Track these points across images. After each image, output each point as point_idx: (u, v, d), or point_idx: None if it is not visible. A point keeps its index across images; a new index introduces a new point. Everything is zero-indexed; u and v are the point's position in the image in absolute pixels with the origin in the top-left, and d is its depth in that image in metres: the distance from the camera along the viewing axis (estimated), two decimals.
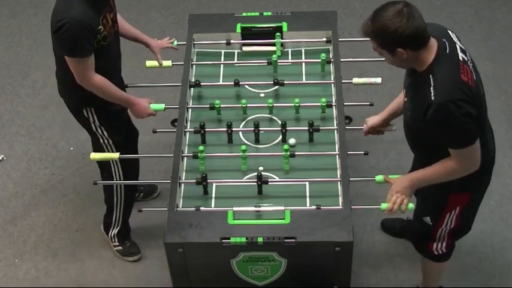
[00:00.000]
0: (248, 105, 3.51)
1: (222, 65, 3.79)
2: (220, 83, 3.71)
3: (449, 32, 2.89)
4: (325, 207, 3.09)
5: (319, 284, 3.18)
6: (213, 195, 3.25)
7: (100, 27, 3.21)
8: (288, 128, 3.40)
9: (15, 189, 4.38)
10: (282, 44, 3.79)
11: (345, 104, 3.50)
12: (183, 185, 3.27)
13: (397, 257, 3.93)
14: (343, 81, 3.60)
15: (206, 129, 3.41)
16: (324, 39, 3.80)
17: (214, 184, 3.25)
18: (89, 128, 3.56)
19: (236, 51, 3.86)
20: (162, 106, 3.55)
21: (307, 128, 3.39)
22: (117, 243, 3.97)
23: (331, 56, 3.73)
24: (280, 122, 3.43)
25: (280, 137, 3.43)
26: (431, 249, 3.32)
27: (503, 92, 4.76)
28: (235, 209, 3.09)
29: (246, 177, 3.29)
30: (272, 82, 3.62)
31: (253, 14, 3.94)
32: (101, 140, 3.57)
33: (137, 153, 3.82)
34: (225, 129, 3.41)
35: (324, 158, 3.35)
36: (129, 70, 4.66)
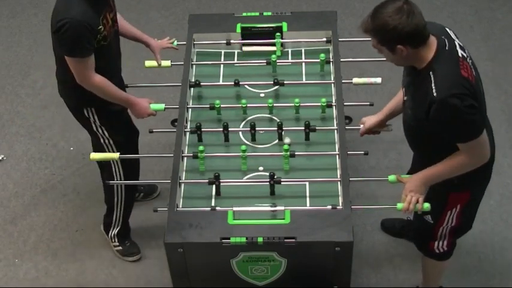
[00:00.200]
0: (248, 105, 3.51)
1: (222, 65, 3.79)
2: (220, 83, 3.71)
3: (447, 29, 2.90)
4: (325, 207, 3.09)
5: (319, 284, 3.18)
6: (213, 194, 3.24)
7: (100, 27, 3.21)
8: (284, 128, 3.40)
9: (15, 189, 4.38)
10: (282, 44, 3.79)
11: (344, 104, 3.50)
12: (183, 185, 3.27)
13: (397, 257, 3.93)
14: (343, 81, 3.60)
15: (203, 129, 3.41)
16: (324, 39, 3.80)
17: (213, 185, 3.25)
18: (90, 128, 3.56)
19: (236, 51, 3.86)
20: (162, 106, 3.55)
21: (303, 128, 3.39)
22: (117, 243, 3.97)
23: (331, 56, 3.73)
24: (278, 122, 3.43)
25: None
26: (433, 248, 3.32)
27: (503, 92, 4.76)
28: (235, 209, 3.09)
29: (246, 177, 3.29)
30: (272, 82, 3.62)
31: (253, 14, 3.94)
32: (102, 140, 3.57)
33: (138, 153, 3.82)
34: (222, 129, 3.41)
35: (324, 158, 3.35)
36: (129, 70, 4.66)
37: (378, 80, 3.65)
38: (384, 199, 4.13)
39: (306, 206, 3.17)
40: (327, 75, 3.71)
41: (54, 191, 4.36)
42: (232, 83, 3.63)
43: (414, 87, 2.88)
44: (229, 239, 2.98)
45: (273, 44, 3.79)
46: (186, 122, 3.48)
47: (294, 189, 3.23)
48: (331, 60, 3.70)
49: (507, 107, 4.66)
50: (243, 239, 2.97)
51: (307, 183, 3.25)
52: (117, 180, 3.66)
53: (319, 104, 3.49)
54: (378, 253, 3.95)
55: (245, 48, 3.86)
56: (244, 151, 3.26)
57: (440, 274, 3.58)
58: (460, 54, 2.80)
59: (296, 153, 3.29)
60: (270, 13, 3.94)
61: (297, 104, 3.48)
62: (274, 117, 3.53)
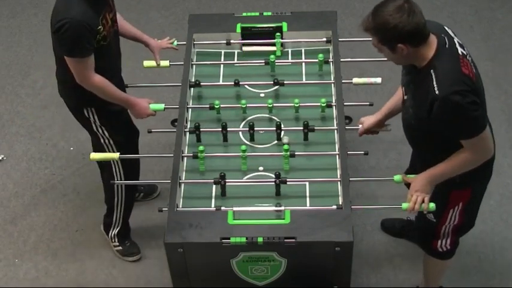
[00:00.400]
0: (248, 105, 3.51)
1: (222, 65, 3.79)
2: (220, 83, 3.71)
3: (446, 27, 2.92)
4: (326, 207, 3.10)
5: (319, 284, 3.18)
6: (213, 194, 3.25)
7: (100, 27, 3.21)
8: (283, 128, 3.40)
9: (15, 189, 4.38)
10: (282, 44, 3.79)
11: (344, 104, 3.50)
12: (183, 185, 3.27)
13: (397, 257, 3.93)
14: (343, 81, 3.60)
15: (202, 129, 3.41)
16: (324, 39, 3.80)
17: (214, 185, 3.25)
18: (90, 128, 3.56)
19: (236, 51, 3.86)
20: (161, 106, 3.55)
21: (302, 128, 3.39)
22: (117, 243, 3.97)
23: (331, 56, 3.73)
24: (277, 122, 3.43)
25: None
26: (436, 247, 3.33)
27: (503, 92, 4.76)
28: (235, 209, 3.09)
29: (246, 177, 3.29)
30: (272, 82, 3.62)
31: (253, 14, 3.94)
32: (102, 140, 3.58)
33: (138, 153, 3.82)
34: (220, 129, 3.41)
35: (324, 158, 3.35)
36: (129, 70, 4.66)
37: (378, 80, 3.65)
38: (383, 199, 4.13)
39: (306, 206, 3.17)
40: (327, 75, 3.70)
41: (54, 191, 4.36)
42: (232, 83, 3.63)
43: (415, 86, 2.88)
44: (229, 239, 2.98)
45: (273, 44, 3.79)
46: (186, 122, 3.48)
47: (294, 189, 3.23)
48: (331, 60, 3.70)
49: (507, 107, 4.66)
50: (243, 239, 2.97)
51: (307, 183, 3.25)
52: (117, 180, 3.66)
53: (319, 104, 3.49)
54: (378, 253, 3.95)
55: (245, 48, 3.86)
56: (244, 151, 3.25)
57: (441, 274, 3.58)
58: (460, 52, 2.81)
59: (296, 153, 3.29)
60: (270, 13, 3.94)
61: (297, 105, 3.48)
62: (274, 117, 3.53)
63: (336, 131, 3.41)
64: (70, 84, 3.34)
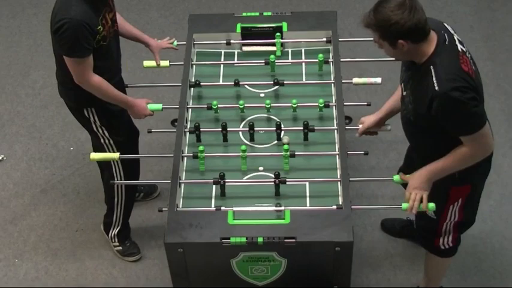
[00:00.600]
0: (247, 105, 3.51)
1: (222, 65, 3.79)
2: (220, 83, 3.71)
3: (446, 25, 2.93)
4: (326, 207, 3.09)
5: (319, 284, 3.18)
6: (213, 194, 3.25)
7: (99, 27, 3.21)
8: (283, 128, 3.40)
9: (15, 189, 4.38)
10: (282, 44, 3.79)
11: (344, 104, 3.50)
12: (183, 185, 3.27)
13: (397, 257, 3.93)
14: (343, 81, 3.60)
15: (202, 129, 3.41)
16: (324, 39, 3.80)
17: (214, 185, 3.25)
18: (90, 128, 3.56)
19: (236, 51, 3.86)
20: (159, 106, 3.55)
21: (301, 128, 3.39)
22: (117, 244, 3.97)
23: (331, 56, 3.73)
24: (277, 122, 3.43)
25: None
26: (438, 244, 3.32)
27: (503, 92, 4.76)
28: (235, 209, 3.09)
29: (246, 177, 3.29)
30: (272, 82, 3.62)
31: (253, 14, 3.94)
32: (102, 140, 3.58)
33: (138, 153, 3.82)
34: (220, 129, 3.41)
35: (324, 158, 3.35)
36: (129, 70, 4.67)
37: (378, 80, 3.65)
38: (383, 199, 4.13)
39: (306, 206, 3.17)
40: (327, 75, 3.70)
41: (54, 191, 4.36)
42: (232, 83, 3.63)
43: (414, 82, 2.89)
44: (229, 239, 2.98)
45: (273, 44, 3.79)
46: (186, 122, 3.48)
47: (294, 189, 3.23)
48: (331, 60, 3.70)
49: (507, 107, 4.66)
50: (243, 239, 2.97)
51: (307, 183, 3.25)
52: (117, 180, 3.66)
53: (317, 104, 3.48)
54: (378, 253, 3.95)
55: (245, 48, 3.86)
56: (244, 151, 3.25)
57: (442, 273, 3.58)
58: (459, 49, 2.83)
59: (296, 153, 3.29)
60: (270, 13, 3.94)
61: (295, 105, 3.48)
62: (273, 117, 3.53)
63: (336, 131, 3.41)
64: (70, 84, 3.34)
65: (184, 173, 3.33)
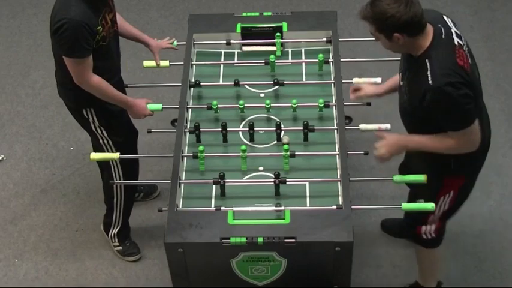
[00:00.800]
0: (247, 105, 3.51)
1: (222, 65, 3.79)
2: (220, 83, 3.71)
3: (445, 17, 2.95)
4: (326, 207, 3.09)
5: (319, 284, 3.18)
6: (213, 194, 3.25)
7: (99, 27, 3.21)
8: (283, 128, 3.40)
9: (15, 189, 4.38)
10: (282, 44, 3.79)
11: (344, 104, 3.50)
12: (183, 185, 3.27)
13: (397, 257, 3.93)
14: (343, 81, 3.60)
15: (202, 129, 3.41)
16: (324, 39, 3.80)
17: (214, 185, 3.25)
18: (89, 129, 3.56)
19: (236, 51, 3.86)
20: (159, 106, 3.55)
21: (301, 128, 3.39)
22: (117, 243, 3.97)
23: (331, 56, 3.73)
24: (277, 122, 3.43)
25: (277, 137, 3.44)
26: (420, 233, 3.33)
27: (503, 92, 4.76)
28: (235, 209, 3.09)
29: (246, 177, 3.29)
30: (272, 82, 3.62)
31: (253, 14, 3.94)
32: (101, 141, 3.57)
33: (137, 154, 3.82)
34: (220, 129, 3.41)
35: (324, 158, 3.35)
36: (129, 70, 4.67)
37: (378, 80, 3.65)
38: (383, 199, 4.13)
39: (306, 206, 3.17)
40: (327, 75, 3.70)
41: (54, 191, 4.35)
42: (232, 83, 3.63)
43: (411, 74, 2.93)
44: (229, 239, 2.98)
45: (273, 44, 3.79)
46: (186, 122, 3.48)
47: (294, 189, 3.23)
48: (331, 60, 3.70)
49: (507, 107, 4.66)
50: (243, 239, 2.97)
51: (307, 183, 3.25)
52: (116, 180, 3.66)
53: (317, 104, 3.48)
54: (378, 253, 3.95)
55: (245, 48, 3.86)
56: (244, 151, 3.25)
57: (434, 265, 3.58)
58: (456, 42, 2.85)
59: (296, 153, 3.29)
60: (270, 13, 3.94)
61: (294, 105, 3.48)
62: (273, 117, 3.53)
63: (336, 131, 3.41)
64: (69, 85, 3.34)
65: (184, 173, 3.33)
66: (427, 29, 2.83)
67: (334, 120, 3.48)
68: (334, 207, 3.09)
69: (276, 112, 3.54)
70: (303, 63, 3.77)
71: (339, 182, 3.20)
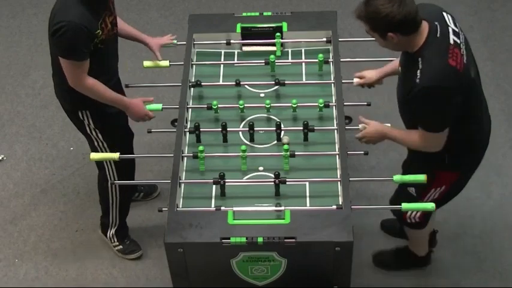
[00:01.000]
0: (247, 105, 3.51)
1: (222, 65, 3.79)
2: (220, 83, 3.71)
3: (444, 13, 2.96)
4: (326, 207, 3.10)
5: (319, 284, 3.18)
6: (213, 194, 3.25)
7: (98, 31, 3.19)
8: (283, 128, 3.41)
9: (15, 189, 4.38)
10: (282, 44, 3.79)
11: (344, 104, 3.50)
12: (183, 185, 3.27)
13: None
14: (343, 81, 3.60)
15: (202, 129, 3.41)
16: (324, 39, 3.80)
17: (213, 185, 3.25)
18: (84, 131, 3.55)
19: (236, 51, 3.86)
20: (159, 106, 3.55)
21: (301, 128, 3.39)
22: (117, 243, 3.97)
23: (331, 56, 3.73)
24: (277, 122, 3.43)
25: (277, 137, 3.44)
26: (405, 217, 3.38)
27: (503, 92, 4.76)
28: (235, 209, 3.09)
29: (246, 177, 3.29)
30: (272, 82, 3.63)
31: (253, 14, 3.94)
32: (96, 143, 3.56)
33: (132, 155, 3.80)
34: (220, 129, 3.41)
35: (324, 158, 3.35)
36: (129, 70, 4.67)
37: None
38: (384, 199, 4.12)
39: (306, 206, 3.17)
40: (327, 75, 3.70)
41: (54, 191, 4.36)
42: (233, 83, 3.63)
43: (404, 69, 2.99)
44: (229, 239, 2.98)
45: (273, 44, 3.79)
46: (186, 122, 3.48)
47: (294, 189, 3.23)
48: (331, 60, 3.70)
49: (507, 107, 4.66)
50: (243, 239, 2.97)
51: (307, 183, 3.25)
52: (110, 182, 3.65)
53: (317, 104, 3.48)
54: None
55: (245, 48, 3.86)
56: (244, 151, 3.26)
57: (423, 240, 3.64)
58: (451, 41, 2.87)
59: (296, 153, 3.29)
60: (270, 13, 3.94)
61: (294, 105, 3.48)
62: (273, 117, 3.53)
63: (336, 131, 3.41)
64: (65, 86, 3.32)
65: (184, 173, 3.33)
66: (422, 26, 2.85)
67: (334, 120, 3.48)
68: (334, 207, 3.09)
69: (276, 112, 3.54)
70: (303, 63, 3.77)
71: (338, 182, 3.21)
